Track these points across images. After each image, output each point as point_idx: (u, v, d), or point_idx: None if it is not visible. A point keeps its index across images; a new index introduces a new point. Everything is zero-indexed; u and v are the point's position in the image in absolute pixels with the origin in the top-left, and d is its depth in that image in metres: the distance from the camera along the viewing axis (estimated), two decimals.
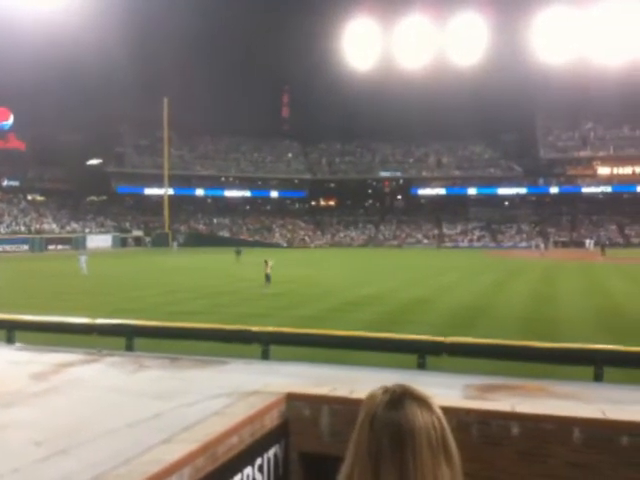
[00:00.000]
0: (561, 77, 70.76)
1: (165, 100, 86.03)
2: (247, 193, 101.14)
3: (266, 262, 30.58)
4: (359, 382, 6.94)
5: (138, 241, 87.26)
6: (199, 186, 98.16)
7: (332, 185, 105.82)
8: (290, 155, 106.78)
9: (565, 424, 5.58)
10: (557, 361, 9.29)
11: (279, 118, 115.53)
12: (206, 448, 4.87)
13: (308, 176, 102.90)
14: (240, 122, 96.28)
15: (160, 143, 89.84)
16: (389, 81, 75.72)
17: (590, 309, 23.27)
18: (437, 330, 15.21)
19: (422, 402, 1.44)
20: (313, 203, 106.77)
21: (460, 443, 5.05)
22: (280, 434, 5.93)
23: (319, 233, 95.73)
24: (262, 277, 30.81)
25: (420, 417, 1.41)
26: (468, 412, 5.83)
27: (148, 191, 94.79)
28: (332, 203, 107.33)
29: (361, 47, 67.75)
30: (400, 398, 1.44)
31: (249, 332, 10.92)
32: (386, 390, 1.49)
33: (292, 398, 6.08)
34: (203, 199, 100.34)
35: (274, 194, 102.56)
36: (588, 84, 73.97)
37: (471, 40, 60.60)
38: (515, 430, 5.66)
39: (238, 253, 51.18)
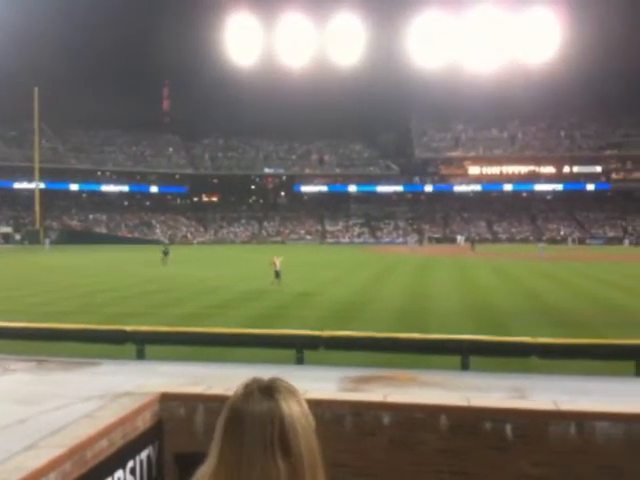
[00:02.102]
0: (435, 80, 73.90)
1: (36, 90, 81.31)
2: (125, 188, 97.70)
3: (274, 261, 30.09)
4: (236, 379, 6.89)
5: (7, 238, 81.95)
6: (73, 180, 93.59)
7: (215, 181, 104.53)
8: (171, 149, 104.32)
9: (433, 412, 5.85)
10: (427, 351, 9.72)
11: (160, 111, 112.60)
12: (73, 452, 4.68)
13: (190, 171, 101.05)
14: (118, 114, 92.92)
15: (31, 135, 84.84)
16: (272, 78, 75.92)
17: (460, 301, 24.51)
18: (318, 324, 15.44)
19: (285, 394, 1.45)
20: (195, 199, 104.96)
21: (335, 435, 5.18)
22: (154, 435, 5.80)
23: (202, 229, 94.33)
24: (145, 274, 29.94)
25: (277, 409, 1.41)
26: (342, 404, 5.97)
27: (18, 185, 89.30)
28: (215, 199, 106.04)
29: (243, 43, 67.38)
30: (262, 390, 1.44)
31: (123, 332, 10.58)
32: (249, 383, 1.50)
33: (166, 398, 5.97)
34: (78, 194, 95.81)
35: (154, 189, 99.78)
36: (460, 88, 77.83)
37: (350, 41, 61.90)
38: (387, 420, 5.86)
39: (165, 253, 45.65)
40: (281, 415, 1.39)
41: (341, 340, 9.85)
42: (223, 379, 6.77)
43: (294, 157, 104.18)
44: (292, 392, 1.47)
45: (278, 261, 29.93)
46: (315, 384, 6.71)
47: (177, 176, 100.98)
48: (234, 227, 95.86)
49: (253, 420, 1.39)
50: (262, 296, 25.57)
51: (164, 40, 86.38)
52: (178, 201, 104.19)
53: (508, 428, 5.69)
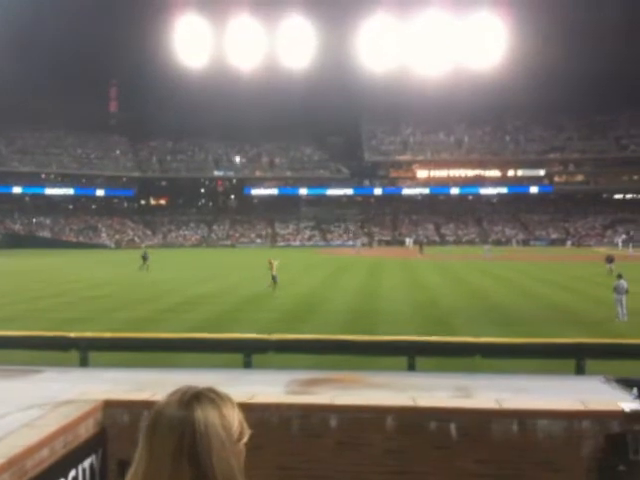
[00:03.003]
0: (384, 84, 74.68)
1: None
2: (70, 191, 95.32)
3: (270, 262, 29.42)
4: (183, 385, 6.85)
5: None
6: (16, 183, 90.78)
7: (163, 184, 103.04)
8: (118, 152, 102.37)
9: (380, 413, 5.92)
10: (374, 353, 9.83)
11: (107, 113, 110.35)
12: (12, 463, 4.56)
13: (137, 174, 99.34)
14: (63, 115, 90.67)
15: None
16: (222, 80, 75.29)
17: (408, 302, 24.85)
18: (269, 327, 15.43)
19: (205, 405, 1.43)
20: (143, 202, 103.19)
21: (282, 438, 5.17)
22: (97, 443, 5.70)
23: (149, 233, 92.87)
24: (90, 278, 29.31)
25: (202, 418, 1.39)
26: (290, 407, 5.99)
27: None
28: (163, 202, 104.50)
29: (192, 45, 66.67)
30: (188, 399, 1.43)
31: (66, 338, 10.34)
32: (175, 391, 1.48)
33: (110, 405, 5.87)
34: (21, 197, 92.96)
35: (100, 192, 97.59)
36: (409, 91, 78.83)
37: (300, 44, 62.01)
38: (334, 422, 5.90)
39: (144, 258, 41.97)
40: (193, 425, 1.37)
41: (289, 343, 9.87)
42: (169, 385, 6.67)
43: (244, 160, 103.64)
44: (215, 403, 1.43)
45: (275, 264, 29.39)
46: (263, 387, 6.71)
47: (124, 179, 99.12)
48: (183, 230, 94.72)
49: (166, 428, 1.38)
50: (212, 300, 25.37)
51: (112, 40, 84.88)
52: (125, 204, 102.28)
53: (452, 427, 5.80)
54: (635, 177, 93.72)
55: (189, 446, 1.36)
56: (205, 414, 1.39)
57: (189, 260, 56.09)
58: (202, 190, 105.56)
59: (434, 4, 59.46)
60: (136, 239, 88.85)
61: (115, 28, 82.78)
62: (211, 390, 1.48)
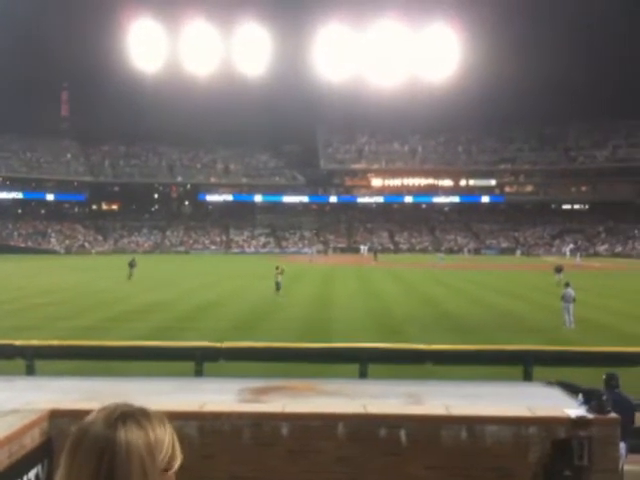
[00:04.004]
0: (340, 93, 75.26)
1: None
2: (19, 195, 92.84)
3: (277, 268, 29.66)
4: (132, 394, 6.74)
5: None
6: None
7: (116, 189, 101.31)
8: (69, 156, 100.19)
9: (330, 420, 5.92)
10: (327, 360, 9.85)
11: (58, 116, 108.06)
12: None
13: (89, 178, 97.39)
14: (13, 119, 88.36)
15: None
16: (177, 85, 74.64)
17: (362, 309, 24.98)
18: (221, 335, 15.28)
19: (130, 425, 1.34)
20: (94, 207, 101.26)
21: (233, 447, 5.10)
22: (42, 454, 5.55)
23: (101, 239, 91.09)
24: (37, 285, 28.55)
25: (124, 437, 1.32)
26: (241, 415, 5.94)
27: None
28: (115, 207, 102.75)
29: (147, 49, 65.90)
30: (114, 419, 1.34)
31: (11, 346, 10.03)
32: (104, 408, 1.40)
33: (56, 415, 5.72)
34: None
35: (50, 197, 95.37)
36: (364, 101, 79.63)
37: (256, 51, 61.93)
38: (285, 430, 5.88)
39: (132, 266, 39.09)
40: (114, 447, 1.30)
41: (241, 351, 9.80)
42: (117, 394, 6.57)
43: (199, 166, 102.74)
44: (142, 425, 1.34)
45: (279, 270, 29.69)
46: (214, 396, 6.64)
47: (75, 183, 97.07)
48: (135, 236, 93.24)
49: (87, 448, 1.32)
50: (163, 308, 25.01)
51: (64, 43, 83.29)
52: (76, 209, 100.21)
53: (402, 433, 5.84)
54: (583, 188, 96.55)
55: (107, 470, 1.29)
56: (129, 436, 1.31)
57: (141, 267, 55.18)
58: (155, 195, 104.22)
59: (389, 16, 60.27)
60: (87, 245, 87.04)
61: (67, 31, 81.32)
62: (141, 411, 1.39)
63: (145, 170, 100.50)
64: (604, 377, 7.51)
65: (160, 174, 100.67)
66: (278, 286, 29.40)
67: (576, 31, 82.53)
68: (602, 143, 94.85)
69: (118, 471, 1.29)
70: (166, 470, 1.36)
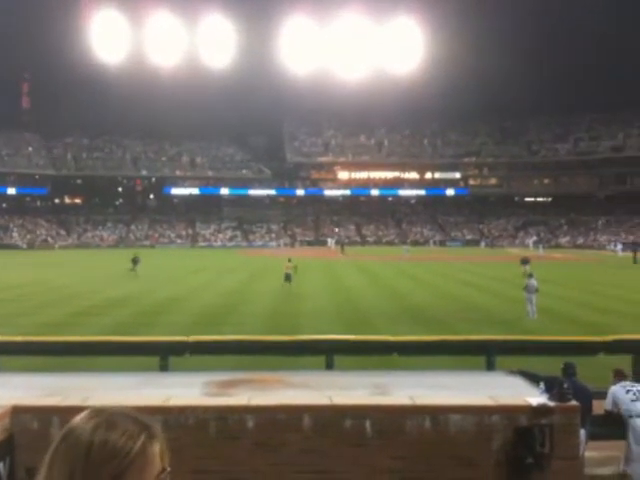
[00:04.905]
0: (306, 86, 75.07)
1: None
2: None
3: (289, 261, 30.34)
4: (96, 389, 6.66)
5: None
6: None
7: (79, 182, 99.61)
8: (30, 149, 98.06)
9: (296, 412, 5.93)
10: (293, 353, 9.87)
11: (18, 108, 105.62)
12: None
13: (51, 172, 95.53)
14: None
15: None
16: (141, 77, 73.62)
17: (330, 302, 25.07)
18: (188, 329, 15.19)
19: (117, 429, 1.32)
20: (57, 201, 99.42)
21: (198, 441, 5.09)
22: (4, 450, 5.47)
23: (64, 233, 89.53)
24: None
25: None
26: (206, 409, 5.91)
27: None
28: (79, 201, 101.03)
29: (110, 40, 64.81)
30: (100, 422, 1.32)
31: None
32: (92, 410, 1.37)
33: (18, 411, 5.64)
34: None
35: (11, 191, 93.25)
36: (330, 94, 79.57)
37: (221, 43, 61.38)
38: (251, 423, 5.87)
39: (135, 262, 37.96)
40: (89, 450, 1.27)
41: (207, 345, 9.76)
42: (81, 389, 6.49)
43: (164, 159, 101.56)
44: (119, 427, 1.31)
45: (290, 264, 30.22)
46: (179, 390, 6.61)
47: (37, 177, 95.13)
48: (99, 230, 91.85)
49: (69, 450, 1.29)
50: (128, 302, 24.73)
51: (24, 34, 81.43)
52: (38, 203, 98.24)
53: (368, 424, 5.88)
54: (545, 181, 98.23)
55: (82, 472, 1.26)
56: (108, 439, 1.29)
57: (105, 261, 54.49)
58: (120, 189, 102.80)
59: (354, 9, 60.25)
60: (50, 239, 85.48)
61: (28, 21, 79.49)
62: (129, 415, 1.36)
63: (109, 163, 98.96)
64: (562, 366, 7.67)
65: (124, 167, 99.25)
66: (289, 278, 29.68)
67: (538, 25, 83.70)
68: (564, 136, 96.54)
69: (92, 475, 1.27)
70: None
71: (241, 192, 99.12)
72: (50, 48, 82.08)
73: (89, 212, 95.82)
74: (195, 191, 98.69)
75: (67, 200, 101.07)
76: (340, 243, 73.58)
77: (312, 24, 64.54)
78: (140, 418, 1.37)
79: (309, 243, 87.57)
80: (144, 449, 1.31)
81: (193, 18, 61.22)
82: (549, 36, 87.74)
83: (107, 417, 1.33)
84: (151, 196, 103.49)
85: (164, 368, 8.73)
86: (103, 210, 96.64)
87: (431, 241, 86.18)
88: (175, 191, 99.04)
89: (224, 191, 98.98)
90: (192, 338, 9.69)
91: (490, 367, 9.19)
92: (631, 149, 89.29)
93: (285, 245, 77.40)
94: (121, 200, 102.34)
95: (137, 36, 64.40)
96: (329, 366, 8.81)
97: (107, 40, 66.14)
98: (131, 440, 1.30)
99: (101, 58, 68.18)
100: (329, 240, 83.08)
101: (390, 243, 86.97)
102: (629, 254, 54.27)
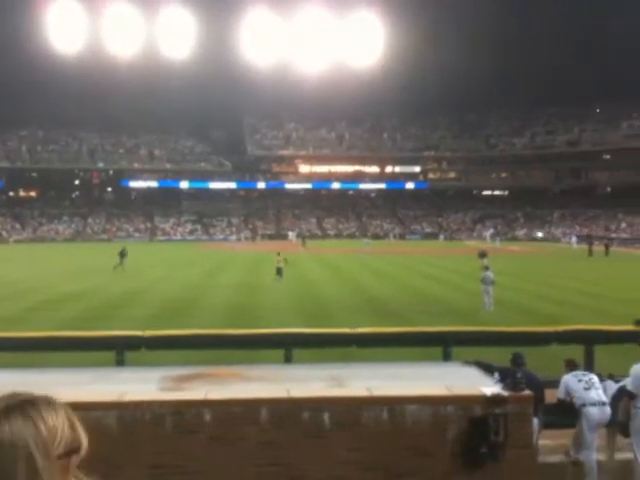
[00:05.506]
0: (267, 79, 74.67)
1: None
2: None
3: (279, 254, 30.30)
4: (48, 386, 6.50)
5: None
6: None
7: (34, 175, 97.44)
8: None
9: (253, 405, 5.91)
10: (252, 346, 9.84)
11: None
12: None
13: (5, 164, 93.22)
14: None
15: None
16: (98, 68, 72.19)
17: (290, 295, 25.07)
18: (145, 323, 15.01)
19: (22, 417, 1.26)
20: (11, 194, 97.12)
21: (155, 436, 5.01)
22: None
23: (18, 227, 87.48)
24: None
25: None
26: (162, 404, 5.84)
27: None
28: (34, 194, 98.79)
29: (66, 29, 63.36)
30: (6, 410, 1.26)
31: None
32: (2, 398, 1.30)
33: None
34: None
35: None
36: (291, 87, 79.31)
37: (180, 34, 60.63)
38: (208, 417, 5.83)
39: (122, 255, 36.89)
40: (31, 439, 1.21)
41: (164, 339, 9.65)
42: (32, 386, 6.31)
43: (121, 151, 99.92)
44: (28, 415, 1.26)
45: (280, 258, 30.26)
46: (134, 385, 6.52)
47: None
48: (55, 224, 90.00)
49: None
50: (83, 297, 24.30)
51: None
52: None
53: (325, 416, 5.89)
54: (503, 175, 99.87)
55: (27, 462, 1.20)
56: (13, 432, 1.22)
57: (61, 255, 53.43)
58: (76, 182, 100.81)
59: (315, 2, 60.15)
60: (4, 233, 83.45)
61: None
62: (27, 400, 1.29)
63: (65, 156, 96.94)
64: (510, 356, 7.79)
65: (81, 160, 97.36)
66: (280, 272, 29.71)
67: (497, 19, 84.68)
68: (521, 131, 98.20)
69: (1, 471, 1.21)
70: (68, 454, 1.26)
71: (201, 185, 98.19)
72: (4, 38, 79.76)
73: (44, 205, 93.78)
74: (154, 184, 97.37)
75: (22, 193, 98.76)
76: (301, 236, 73.58)
77: (273, 16, 64.23)
78: (37, 397, 1.32)
79: (270, 237, 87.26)
80: (66, 422, 1.27)
81: (152, 8, 60.27)
82: (508, 30, 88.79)
83: (7, 407, 1.28)
84: (108, 189, 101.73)
85: (120, 363, 8.60)
86: (59, 203, 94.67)
87: (391, 234, 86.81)
88: (133, 184, 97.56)
89: (184, 184, 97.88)
90: (148, 333, 9.57)
91: (447, 358, 9.31)
92: (586, 144, 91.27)
93: (246, 239, 77.02)
94: (77, 193, 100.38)
95: (94, 26, 63.12)
96: (288, 359, 8.81)
97: (64, 30, 64.64)
98: (51, 415, 1.27)
99: (57, 48, 66.65)
100: (290, 233, 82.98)
101: (351, 236, 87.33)
102: (584, 246, 55.53)
